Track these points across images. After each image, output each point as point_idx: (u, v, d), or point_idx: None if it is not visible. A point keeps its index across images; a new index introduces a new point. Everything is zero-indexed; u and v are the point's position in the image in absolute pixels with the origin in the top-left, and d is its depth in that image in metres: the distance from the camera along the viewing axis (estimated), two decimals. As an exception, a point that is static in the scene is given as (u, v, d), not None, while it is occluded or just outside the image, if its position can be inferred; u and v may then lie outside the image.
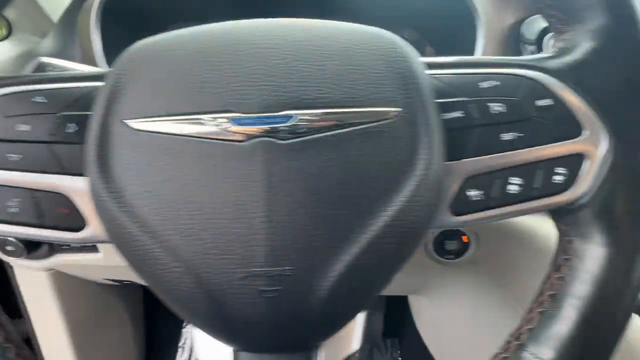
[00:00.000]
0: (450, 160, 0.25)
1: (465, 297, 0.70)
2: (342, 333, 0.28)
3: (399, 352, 1.21)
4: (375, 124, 0.23)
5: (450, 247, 0.55)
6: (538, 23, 0.49)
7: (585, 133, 0.25)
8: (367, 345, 1.24)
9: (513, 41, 0.50)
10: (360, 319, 0.33)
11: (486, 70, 0.26)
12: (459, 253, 0.55)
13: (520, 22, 0.49)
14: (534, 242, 0.49)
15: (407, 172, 0.23)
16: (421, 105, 0.24)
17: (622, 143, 0.25)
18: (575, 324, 0.25)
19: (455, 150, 0.26)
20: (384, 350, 1.25)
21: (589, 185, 0.25)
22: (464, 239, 0.54)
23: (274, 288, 0.23)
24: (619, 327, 0.25)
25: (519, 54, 0.49)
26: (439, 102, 0.26)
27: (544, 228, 0.49)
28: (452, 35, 0.53)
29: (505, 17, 0.49)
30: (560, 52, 0.27)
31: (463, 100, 0.26)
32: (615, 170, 0.25)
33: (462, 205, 0.26)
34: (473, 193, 0.26)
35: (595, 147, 0.25)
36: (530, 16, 0.49)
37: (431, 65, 0.27)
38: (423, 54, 0.64)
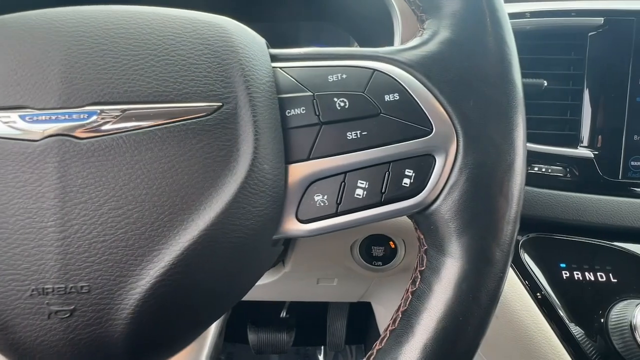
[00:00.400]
0: (293, 162, 0.23)
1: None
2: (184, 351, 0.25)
3: (364, 358, 1.18)
4: (187, 121, 0.21)
5: (377, 253, 0.52)
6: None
7: (435, 131, 0.23)
8: (332, 352, 1.21)
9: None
10: (210, 334, 0.30)
11: (336, 63, 0.24)
12: (386, 259, 0.52)
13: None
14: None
15: (226, 175, 0.21)
16: (248, 100, 0.21)
17: (472, 142, 0.22)
18: (422, 346, 0.22)
19: (298, 150, 0.23)
20: (349, 357, 1.22)
21: (439, 189, 0.23)
22: (391, 245, 0.52)
23: (69, 308, 0.20)
24: (469, 347, 0.23)
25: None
26: (282, 97, 0.23)
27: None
28: (376, 32, 0.51)
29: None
30: (420, 43, 0.24)
31: (307, 96, 0.23)
32: (463, 172, 0.22)
33: (308, 212, 0.23)
34: (318, 198, 0.23)
35: (446, 146, 0.23)
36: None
37: (278, 58, 0.24)
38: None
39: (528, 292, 0.40)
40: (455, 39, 0.23)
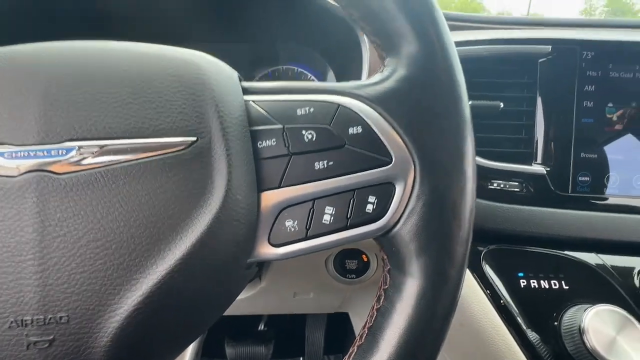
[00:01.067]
0: (265, 190, 0.25)
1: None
2: None
3: (342, 368, 1.19)
4: (164, 156, 0.22)
5: (350, 266, 0.54)
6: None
7: (395, 161, 0.25)
8: (310, 363, 1.22)
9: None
10: (187, 355, 0.31)
11: (304, 97, 0.26)
12: (360, 272, 0.54)
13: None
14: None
15: (201, 207, 0.22)
16: (222, 134, 0.23)
17: (427, 170, 0.25)
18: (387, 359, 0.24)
19: (269, 179, 0.25)
20: (327, 367, 1.23)
21: (399, 214, 0.25)
22: (364, 258, 0.54)
23: (47, 338, 0.21)
24: (429, 357, 0.25)
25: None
26: (254, 129, 0.25)
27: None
28: (348, 58, 0.53)
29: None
30: (380, 79, 0.26)
31: (278, 128, 0.25)
32: (420, 198, 0.24)
33: (280, 237, 0.25)
34: (289, 224, 0.25)
35: (404, 175, 0.25)
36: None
37: (250, 91, 0.26)
38: (325, 76, 0.64)
39: (490, 301, 0.43)
40: (412, 77, 0.25)
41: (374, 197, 0.25)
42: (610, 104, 0.47)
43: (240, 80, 0.27)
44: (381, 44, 0.27)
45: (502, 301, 0.43)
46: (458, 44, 0.49)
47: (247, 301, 0.64)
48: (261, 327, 1.05)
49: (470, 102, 0.47)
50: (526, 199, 0.47)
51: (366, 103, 0.25)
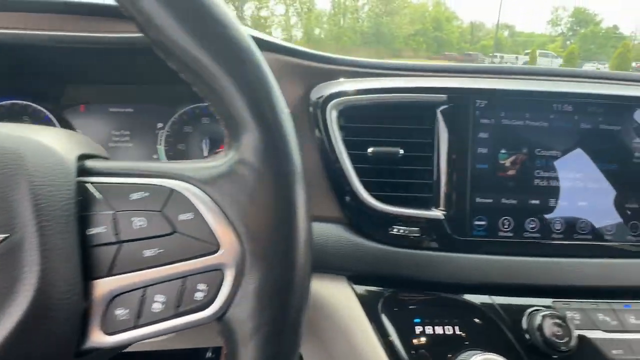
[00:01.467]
0: (94, 279, 0.24)
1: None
2: None
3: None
4: None
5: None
6: (327, 88, 0.51)
7: (224, 248, 0.25)
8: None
9: (304, 107, 0.51)
10: None
11: (140, 181, 0.26)
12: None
13: (309, 90, 0.51)
14: (336, 311, 0.49)
15: (8, 306, 0.22)
16: (37, 229, 0.22)
17: (255, 258, 0.25)
18: None
19: (98, 267, 0.24)
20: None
21: (229, 302, 0.25)
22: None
23: None
24: None
25: (311, 118, 0.51)
26: (85, 215, 0.24)
27: (342, 298, 0.49)
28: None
29: (295, 88, 0.51)
30: (220, 163, 0.26)
31: (108, 214, 0.25)
32: (249, 286, 0.25)
33: (112, 325, 0.24)
34: (120, 312, 0.24)
35: (233, 262, 0.25)
36: (315, 85, 0.51)
37: (89, 172, 0.26)
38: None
39: (385, 350, 0.44)
40: (247, 163, 0.25)
41: (204, 285, 0.25)
42: (502, 150, 0.49)
43: (84, 159, 0.27)
44: (224, 124, 0.27)
45: (396, 350, 0.43)
46: (364, 91, 0.50)
47: (170, 340, 0.63)
48: (209, 355, 1.04)
49: (371, 149, 0.49)
50: (425, 243, 0.48)
51: (199, 187, 0.25)
